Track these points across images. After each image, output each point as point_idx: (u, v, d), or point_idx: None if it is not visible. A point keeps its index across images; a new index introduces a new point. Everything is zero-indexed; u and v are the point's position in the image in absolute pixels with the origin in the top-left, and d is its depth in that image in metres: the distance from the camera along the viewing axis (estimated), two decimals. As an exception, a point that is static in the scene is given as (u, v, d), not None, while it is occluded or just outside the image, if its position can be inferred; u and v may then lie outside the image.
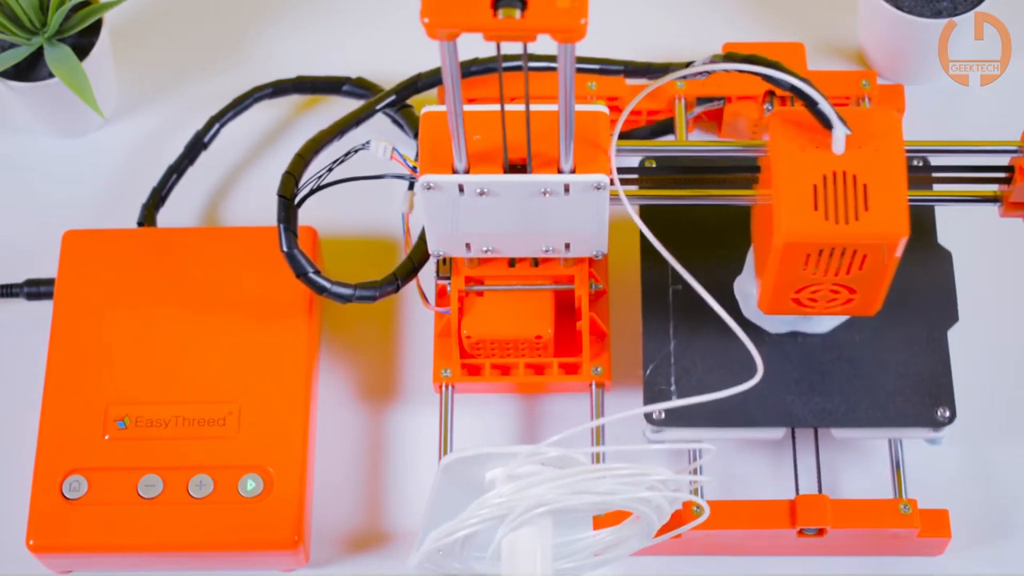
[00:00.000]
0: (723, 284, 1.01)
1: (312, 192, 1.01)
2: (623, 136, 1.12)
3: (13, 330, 1.11)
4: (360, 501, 1.06)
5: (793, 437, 1.02)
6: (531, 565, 0.87)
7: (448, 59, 0.83)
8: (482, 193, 0.93)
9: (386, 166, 0.99)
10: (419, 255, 1.04)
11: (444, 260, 1.04)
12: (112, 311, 1.05)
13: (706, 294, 0.92)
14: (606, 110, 0.94)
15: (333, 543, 1.05)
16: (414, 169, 0.97)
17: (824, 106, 0.90)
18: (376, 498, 1.06)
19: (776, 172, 0.90)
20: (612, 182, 0.93)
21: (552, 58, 1.09)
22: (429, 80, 1.11)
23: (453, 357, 1.04)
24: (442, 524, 0.87)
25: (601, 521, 0.95)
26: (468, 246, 0.99)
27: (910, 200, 1.00)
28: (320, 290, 1.01)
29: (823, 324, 1.01)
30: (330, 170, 1.01)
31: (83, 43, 1.12)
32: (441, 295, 1.06)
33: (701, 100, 1.12)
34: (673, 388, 1.00)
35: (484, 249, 0.99)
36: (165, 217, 1.13)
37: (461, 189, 0.93)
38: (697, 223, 1.02)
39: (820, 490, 1.01)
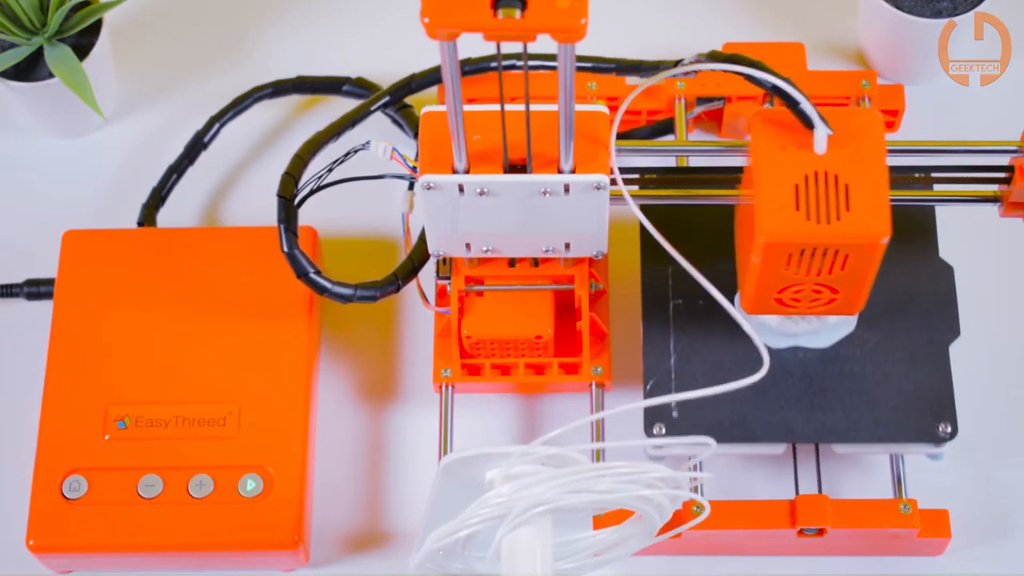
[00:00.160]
0: (723, 284, 1.01)
1: (312, 192, 1.01)
2: (623, 136, 1.12)
3: (13, 330, 1.11)
4: (360, 501, 1.06)
5: (794, 451, 1.02)
6: (531, 565, 0.87)
7: (448, 59, 0.83)
8: (482, 193, 0.93)
9: (386, 166, 0.99)
10: (419, 255, 1.04)
11: (444, 260, 1.04)
12: (112, 311, 1.05)
13: (709, 285, 0.91)
14: (606, 110, 0.94)
15: (333, 543, 1.05)
16: (414, 169, 0.97)
17: (806, 106, 0.90)
18: (376, 498, 1.06)
19: (758, 172, 0.90)
20: (614, 181, 0.93)
21: (549, 57, 1.09)
22: (423, 80, 1.11)
23: (453, 357, 1.04)
24: (442, 524, 0.87)
25: (603, 521, 0.95)
26: (468, 246, 0.99)
27: (910, 204, 1.01)
28: (321, 290, 1.01)
29: (824, 339, 1.01)
30: (330, 170, 1.01)
31: (83, 43, 1.12)
32: (441, 295, 1.06)
33: (701, 100, 1.12)
34: (673, 405, 0.99)
35: (484, 249, 0.99)
36: (165, 217, 1.13)
37: (461, 189, 0.93)
38: (697, 224, 1.02)
39: (820, 491, 1.01)
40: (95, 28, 1.12)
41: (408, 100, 1.13)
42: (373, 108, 1.09)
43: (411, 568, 0.92)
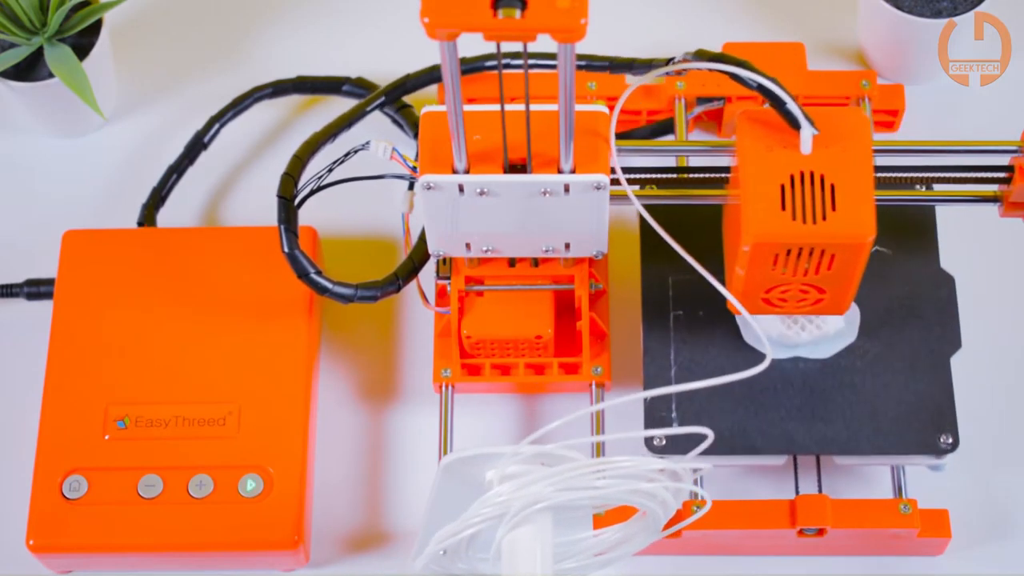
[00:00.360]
0: (722, 284, 1.01)
1: (312, 192, 1.01)
2: (623, 136, 1.12)
3: (13, 330, 1.11)
4: (360, 501, 1.06)
5: (795, 463, 1.02)
6: (531, 564, 0.86)
7: (448, 59, 0.83)
8: (482, 193, 0.93)
9: (386, 166, 0.99)
10: (419, 255, 1.04)
11: (444, 260, 1.04)
12: (112, 311, 1.05)
13: (712, 279, 0.91)
14: (606, 110, 0.94)
15: (333, 543, 1.05)
16: (414, 169, 0.97)
17: (792, 106, 0.90)
18: (376, 498, 1.06)
19: (744, 172, 0.90)
20: (615, 181, 0.93)
21: (548, 56, 1.09)
22: (419, 80, 1.11)
23: (453, 357, 1.04)
24: (443, 524, 0.87)
25: (607, 519, 0.95)
26: (468, 246, 0.99)
27: (911, 204, 1.01)
28: (322, 291, 1.01)
29: (824, 349, 1.01)
30: (330, 170, 1.01)
31: (83, 43, 1.12)
32: (441, 295, 1.06)
33: (701, 100, 1.12)
34: (674, 415, 0.99)
35: (484, 249, 0.99)
36: (165, 217, 1.13)
37: (461, 189, 0.93)
38: (697, 224, 1.02)
39: (820, 491, 1.01)
40: (95, 28, 1.12)
41: (408, 100, 1.13)
42: (369, 108, 1.09)
43: (415, 569, 0.92)
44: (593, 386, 1.04)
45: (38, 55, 1.11)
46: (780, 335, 1.00)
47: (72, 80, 1.08)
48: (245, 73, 1.18)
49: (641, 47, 1.14)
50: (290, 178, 1.00)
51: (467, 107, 0.90)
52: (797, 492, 1.01)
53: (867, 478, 1.05)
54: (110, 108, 1.17)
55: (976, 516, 1.04)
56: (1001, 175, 0.97)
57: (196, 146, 1.14)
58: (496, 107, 0.90)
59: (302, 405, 1.03)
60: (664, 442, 0.98)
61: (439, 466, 0.87)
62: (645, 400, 1.00)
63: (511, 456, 0.86)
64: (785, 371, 1.00)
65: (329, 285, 1.00)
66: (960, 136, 1.13)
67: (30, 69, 1.11)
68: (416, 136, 1.11)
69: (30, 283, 1.09)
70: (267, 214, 1.03)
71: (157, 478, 1.01)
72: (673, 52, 1.15)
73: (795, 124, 0.90)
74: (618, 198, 0.95)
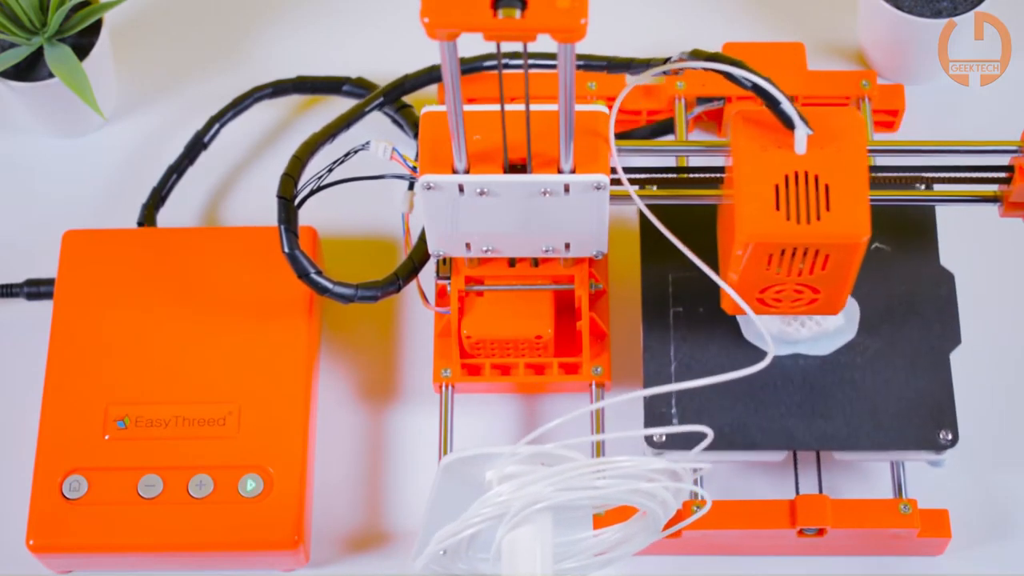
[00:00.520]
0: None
1: (312, 192, 1.01)
2: (624, 136, 1.12)
3: (13, 330, 1.11)
4: (360, 501, 1.06)
5: (795, 458, 1.02)
6: (531, 564, 0.86)
7: (448, 59, 0.83)
8: (482, 193, 0.93)
9: (386, 166, 0.99)
10: (420, 255, 1.04)
11: (444, 260, 1.04)
12: (112, 311, 1.05)
13: (714, 275, 0.91)
14: (606, 110, 0.94)
15: (333, 543, 1.05)
16: (414, 169, 0.97)
17: (786, 106, 0.90)
18: (376, 498, 1.06)
19: (738, 172, 0.90)
20: (616, 181, 0.93)
21: (547, 56, 1.09)
22: (417, 81, 1.11)
23: (453, 357, 1.04)
24: (443, 524, 0.87)
25: (607, 519, 0.95)
26: (468, 246, 0.99)
27: (911, 204, 1.01)
28: (322, 291, 1.01)
29: (824, 346, 1.01)
30: (330, 170, 1.01)
31: (83, 43, 1.12)
32: (441, 295, 1.06)
33: (701, 100, 1.12)
34: (674, 412, 0.99)
35: (484, 249, 0.99)
36: (165, 217, 1.13)
37: (461, 189, 0.93)
38: (697, 224, 1.02)
39: (820, 491, 1.01)
40: (95, 28, 1.12)
41: (408, 100, 1.13)
42: (368, 109, 1.09)
43: (416, 569, 0.92)
44: (593, 386, 1.04)
45: (38, 55, 1.11)
46: (780, 332, 1.00)
47: (72, 80, 1.08)
48: (245, 73, 1.18)
49: (641, 47, 1.14)
50: (290, 178, 1.00)
51: (467, 107, 0.90)
52: (797, 489, 1.01)
53: (867, 477, 1.05)
54: (110, 108, 1.17)
55: (976, 516, 1.04)
56: (1001, 175, 0.97)
57: (196, 146, 1.14)
58: (496, 107, 0.90)
59: (302, 405, 1.03)
60: (664, 438, 0.98)
61: (439, 466, 0.87)
62: (645, 396, 1.00)
63: (509, 456, 0.86)
64: (785, 367, 1.00)
65: (329, 285, 1.00)
66: (960, 136, 1.13)
67: (30, 69, 1.11)
68: (416, 136, 1.11)
69: (30, 283, 1.09)
70: (267, 214, 1.03)
71: (157, 478, 1.01)
72: (673, 52, 1.16)
73: (789, 124, 0.90)
74: (618, 198, 0.95)
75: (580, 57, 1.11)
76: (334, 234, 1.12)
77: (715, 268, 0.94)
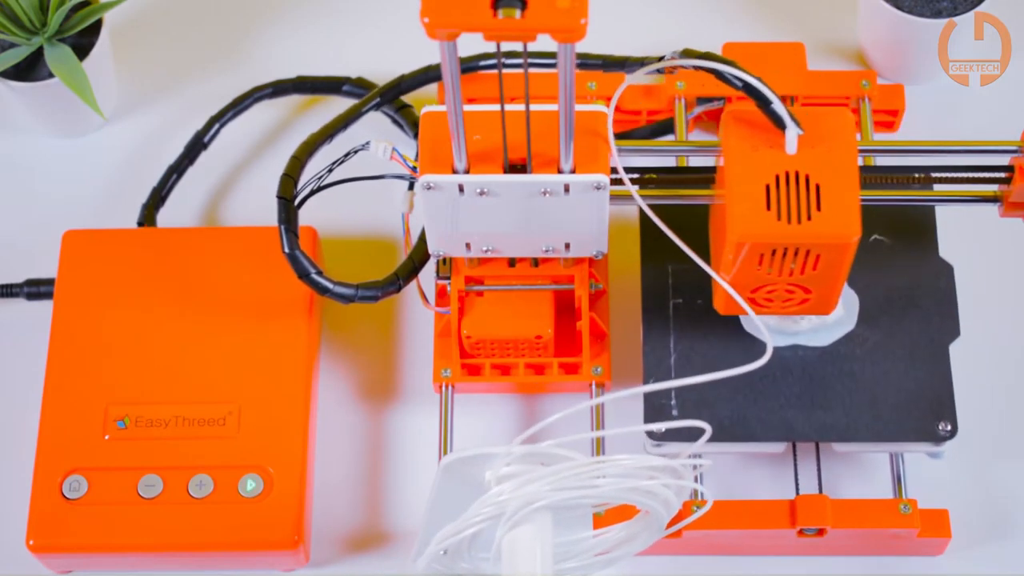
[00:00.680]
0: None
1: (312, 193, 1.01)
2: (624, 136, 1.12)
3: (13, 330, 1.11)
4: (360, 501, 1.06)
5: (795, 450, 1.02)
6: (531, 564, 0.86)
7: (448, 59, 0.83)
8: (482, 193, 0.93)
9: (386, 166, 0.99)
10: (420, 255, 1.04)
11: (444, 260, 1.04)
12: (112, 311, 1.05)
13: (714, 273, 0.91)
14: (606, 110, 0.94)
15: (333, 543, 1.05)
16: (414, 169, 0.97)
17: (777, 106, 0.90)
18: (376, 498, 1.06)
19: (729, 172, 0.90)
20: (616, 181, 0.93)
21: (546, 55, 1.09)
22: (413, 81, 1.11)
23: (453, 357, 1.04)
24: (443, 524, 0.87)
25: (607, 519, 0.95)
26: (468, 246, 0.99)
27: (911, 204, 1.01)
28: (322, 291, 1.01)
29: (824, 337, 1.01)
30: (330, 170, 1.01)
31: (83, 43, 1.12)
32: (441, 295, 1.06)
33: (701, 100, 1.12)
34: (674, 403, 0.99)
35: (484, 249, 0.99)
36: (165, 217, 1.13)
37: (461, 189, 0.93)
38: (697, 224, 1.02)
39: (820, 491, 1.01)
40: (95, 28, 1.12)
41: (408, 100, 1.13)
42: (365, 110, 1.09)
43: (417, 569, 0.92)
44: (593, 386, 1.04)
45: (38, 55, 1.11)
46: (779, 323, 1.00)
47: (72, 80, 1.08)
48: (245, 73, 1.18)
49: (641, 47, 1.14)
50: (289, 179, 1.00)
51: (467, 107, 0.90)
52: (797, 482, 1.01)
53: (867, 474, 1.05)
54: (110, 108, 1.17)
55: (976, 516, 1.04)
56: (1001, 175, 0.97)
57: (196, 146, 1.14)
58: (496, 107, 0.90)
59: (302, 405, 1.03)
60: (664, 431, 0.98)
61: (439, 466, 0.87)
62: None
63: (504, 455, 0.86)
64: (784, 359, 1.00)
65: (330, 285, 1.00)
66: (960, 136, 1.13)
67: (30, 69, 1.11)
68: (416, 136, 1.11)
69: (30, 283, 1.09)
70: (267, 214, 1.03)
71: (157, 478, 1.01)
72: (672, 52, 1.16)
73: (780, 124, 0.90)
74: (618, 197, 0.95)
75: (576, 56, 1.11)
76: (334, 234, 1.12)
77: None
